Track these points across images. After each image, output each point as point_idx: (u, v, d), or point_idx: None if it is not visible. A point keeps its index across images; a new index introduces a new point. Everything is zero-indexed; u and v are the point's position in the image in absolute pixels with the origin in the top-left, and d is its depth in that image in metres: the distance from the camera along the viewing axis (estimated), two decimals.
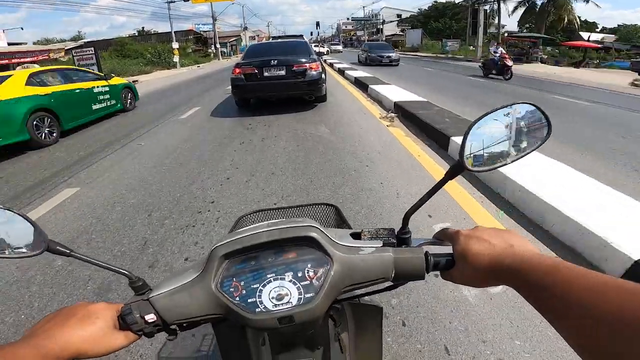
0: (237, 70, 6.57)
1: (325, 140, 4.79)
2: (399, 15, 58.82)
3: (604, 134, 5.41)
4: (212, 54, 36.41)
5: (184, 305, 0.48)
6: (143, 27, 46.05)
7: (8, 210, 0.46)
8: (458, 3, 41.52)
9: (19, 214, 0.47)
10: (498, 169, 0.50)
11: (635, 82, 14.73)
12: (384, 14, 58.26)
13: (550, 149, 4.34)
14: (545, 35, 29.37)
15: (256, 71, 6.47)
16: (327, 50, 39.01)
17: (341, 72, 14.23)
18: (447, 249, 0.50)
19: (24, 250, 0.47)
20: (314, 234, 0.49)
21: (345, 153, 4.23)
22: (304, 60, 6.54)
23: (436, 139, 4.46)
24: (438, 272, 0.51)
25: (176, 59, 23.11)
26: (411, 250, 0.51)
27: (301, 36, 16.24)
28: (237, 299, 0.47)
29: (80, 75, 6.85)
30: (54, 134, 5.47)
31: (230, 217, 2.81)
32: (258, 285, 0.47)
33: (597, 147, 4.64)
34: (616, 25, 47.61)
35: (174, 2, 29.83)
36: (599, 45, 30.48)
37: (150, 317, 0.47)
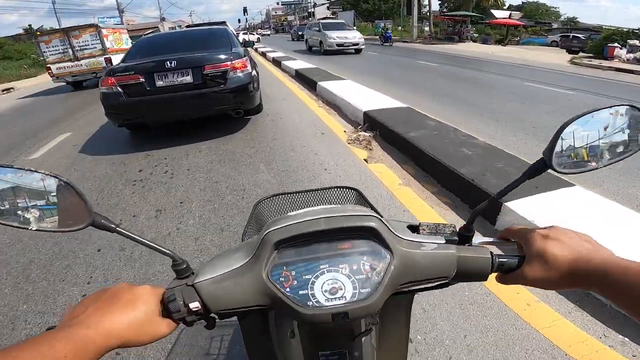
0: (110, 81, 4.01)
1: None
2: None
3: None
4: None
5: (231, 294, 0.44)
6: (30, 25, 39.46)
7: (60, 180, 0.42)
8: None
9: (70, 185, 0.43)
10: (587, 172, 0.47)
11: (575, 61, 14.84)
12: None
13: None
14: (475, 14, 29.45)
15: (142, 80, 3.98)
16: (258, 38, 36.28)
17: (277, 62, 11.88)
18: (512, 249, 0.48)
19: (70, 222, 0.43)
20: (374, 225, 0.45)
21: None
22: (222, 57, 4.15)
23: (466, 197, 2.58)
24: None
25: None
26: (475, 249, 0.47)
27: (223, 23, 13.41)
28: (288, 289, 0.43)
29: None
30: None
31: None
32: (310, 276, 0.44)
33: None
34: (521, 3, 50.37)
35: None
36: (522, 23, 31.53)
37: (195, 305, 0.43)
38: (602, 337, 1.46)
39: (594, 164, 0.46)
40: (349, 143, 3.82)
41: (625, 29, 18.71)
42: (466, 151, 2.95)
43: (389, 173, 3.10)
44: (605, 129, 0.46)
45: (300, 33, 27.18)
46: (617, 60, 14.94)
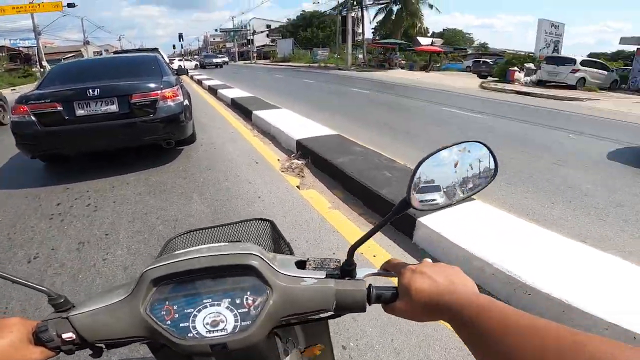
0: (22, 109, 3.71)
1: None
2: (268, 26, 58.01)
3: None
4: (38, 73, 28.75)
5: (108, 326, 0.46)
6: None
7: None
8: (324, 12, 42.51)
9: None
10: (444, 209, 0.52)
11: (483, 85, 16.80)
12: (253, 24, 56.51)
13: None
14: (403, 42, 32.02)
15: (60, 108, 3.72)
16: (196, 64, 34.94)
17: (213, 90, 11.80)
18: (393, 281, 0.50)
19: None
20: (254, 263, 0.47)
21: None
22: (152, 85, 4.05)
23: (385, 214, 2.81)
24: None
25: None
26: (353, 282, 0.50)
27: (155, 50, 12.92)
28: (168, 322, 0.45)
29: None
30: None
31: None
32: (192, 310, 0.46)
33: None
34: (442, 30, 55.02)
35: None
36: (443, 50, 34.88)
37: (68, 336, 0.45)
38: None
39: (448, 200, 0.48)
40: (282, 171, 3.95)
41: (522, 53, 21.48)
42: (387, 174, 3.25)
43: (320, 198, 3.27)
44: (456, 165, 0.48)
45: None
46: (517, 83, 16.87)
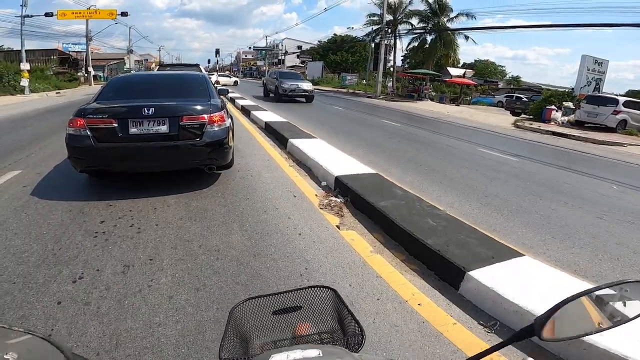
0: (80, 122, 3.79)
1: (249, 273, 2.63)
2: (299, 47, 59.75)
3: None
4: (82, 78, 30.44)
5: None
6: None
7: (25, 332, 0.46)
8: (355, 37, 43.17)
9: (32, 334, 0.46)
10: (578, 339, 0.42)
11: (518, 124, 16.45)
12: (285, 44, 58.38)
13: None
14: (434, 72, 31.96)
15: (115, 125, 3.81)
16: (236, 81, 33.74)
17: (246, 111, 12.10)
18: None
19: None
20: None
21: None
22: (199, 107, 4.09)
23: (432, 265, 2.75)
24: None
25: (24, 82, 17.73)
26: None
27: (197, 66, 13.15)
28: None
29: None
30: None
31: None
32: None
33: None
34: (473, 61, 53.21)
35: (31, 17, 24.15)
36: (474, 83, 34.56)
37: None
38: None
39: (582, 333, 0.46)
40: (320, 208, 3.92)
41: (561, 90, 20.44)
42: (431, 222, 3.18)
43: (361, 240, 3.22)
44: (611, 316, 0.44)
45: None
46: (553, 123, 16.26)
